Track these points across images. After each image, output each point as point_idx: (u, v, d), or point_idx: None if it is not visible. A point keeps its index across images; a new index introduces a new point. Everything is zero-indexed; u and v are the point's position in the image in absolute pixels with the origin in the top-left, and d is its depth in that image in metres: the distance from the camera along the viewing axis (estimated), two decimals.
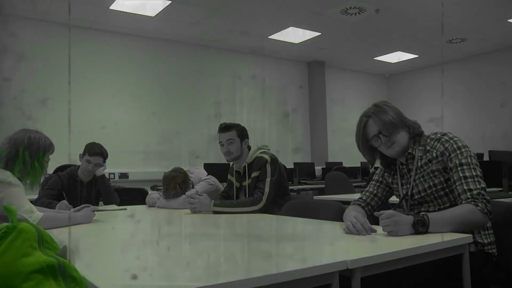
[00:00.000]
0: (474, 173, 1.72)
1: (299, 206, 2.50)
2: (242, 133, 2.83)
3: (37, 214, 2.01)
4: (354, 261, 1.21)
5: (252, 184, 2.77)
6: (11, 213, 1.06)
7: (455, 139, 1.81)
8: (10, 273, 0.95)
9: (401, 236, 1.55)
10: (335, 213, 2.16)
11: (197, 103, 6.85)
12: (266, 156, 2.78)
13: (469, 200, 1.67)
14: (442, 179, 1.80)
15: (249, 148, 2.90)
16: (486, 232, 1.79)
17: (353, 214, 1.73)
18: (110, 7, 5.36)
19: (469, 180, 1.70)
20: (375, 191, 2.06)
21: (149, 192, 3.55)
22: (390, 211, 1.61)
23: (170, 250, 1.52)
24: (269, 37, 6.63)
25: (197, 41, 6.68)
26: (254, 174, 2.77)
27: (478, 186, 1.69)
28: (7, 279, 0.95)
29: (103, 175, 3.42)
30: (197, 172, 3.37)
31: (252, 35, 6.54)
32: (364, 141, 1.89)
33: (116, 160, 6.16)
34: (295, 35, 6.57)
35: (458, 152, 1.77)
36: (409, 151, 1.88)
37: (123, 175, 6.16)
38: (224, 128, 2.86)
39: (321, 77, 8.11)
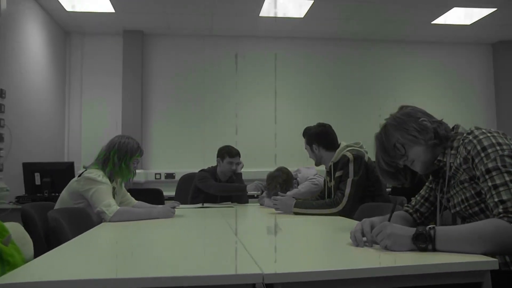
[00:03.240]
0: (507, 179, 1.29)
1: (372, 209, 2.24)
2: (309, 139, 2.81)
3: (113, 207, 2.32)
4: (270, 276, 1.08)
5: (336, 184, 2.61)
6: None
7: (481, 137, 1.38)
8: None
9: (398, 252, 1.29)
10: None
11: (359, 100, 6.63)
12: (349, 154, 2.58)
13: (501, 215, 1.26)
14: (473, 192, 1.41)
15: (338, 146, 2.75)
16: None
17: (363, 221, 1.49)
18: (260, 15, 5.66)
19: (500, 189, 1.29)
20: (426, 195, 1.72)
21: None
22: (383, 223, 1.35)
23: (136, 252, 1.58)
24: (432, 22, 5.97)
25: (352, 36, 6.47)
26: (337, 174, 2.61)
27: (511, 196, 1.27)
28: None
29: (241, 173, 3.72)
30: (305, 172, 3.32)
31: (411, 22, 5.99)
32: (381, 168, 1.64)
33: (280, 159, 6.50)
34: (462, 15, 5.75)
35: (482, 155, 1.35)
36: (439, 158, 1.52)
37: None
38: None
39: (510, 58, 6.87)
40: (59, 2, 5.15)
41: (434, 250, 1.27)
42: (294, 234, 1.93)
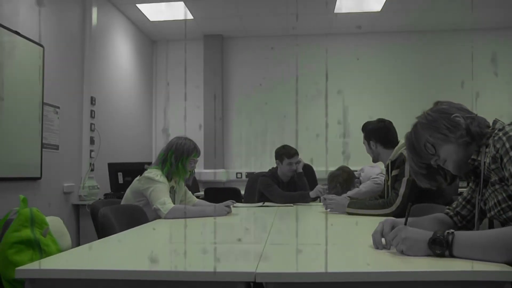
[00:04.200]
0: None
1: (422, 209, 2.12)
2: (367, 135, 2.71)
3: (168, 205, 2.45)
4: (262, 275, 1.09)
5: (391, 183, 2.51)
6: (23, 201, 1.47)
7: (511, 134, 1.24)
8: (4, 242, 1.37)
9: (412, 257, 1.22)
10: None
11: (445, 96, 6.21)
12: (405, 152, 2.44)
13: None
14: (504, 195, 1.29)
15: (397, 143, 2.63)
16: None
17: (385, 222, 1.43)
18: (335, 11, 5.57)
19: None
20: (468, 197, 1.59)
21: None
22: (398, 226, 1.29)
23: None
24: None
25: (434, 27, 6.08)
26: (393, 173, 2.51)
27: None
28: (2, 245, 1.37)
29: (302, 172, 3.69)
30: (368, 171, 3.21)
31: (507, 5, 5.47)
32: (413, 169, 1.58)
33: (355, 157, 6.35)
34: None
35: (511, 154, 1.21)
36: (473, 156, 1.40)
37: None
38: None
39: None
40: (143, 13, 5.53)
41: (452, 256, 1.19)
42: (320, 234, 1.90)
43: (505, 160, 1.24)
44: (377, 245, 1.36)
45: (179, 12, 5.54)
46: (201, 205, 2.89)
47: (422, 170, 1.53)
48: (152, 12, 5.54)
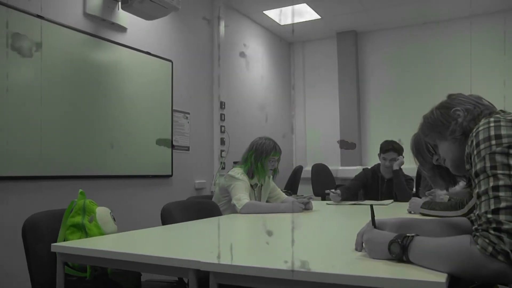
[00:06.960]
0: (490, 185, 1.01)
1: None
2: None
3: (242, 201, 2.64)
4: (206, 264, 1.22)
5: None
6: (81, 194, 1.86)
7: (480, 129, 1.09)
8: (66, 225, 1.77)
9: (377, 260, 1.18)
10: None
11: None
12: None
13: (473, 232, 1.02)
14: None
15: None
16: None
17: (369, 222, 1.39)
18: None
19: (482, 199, 1.02)
20: None
21: None
22: (367, 228, 1.26)
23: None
24: None
25: None
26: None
27: (488, 209, 0.99)
28: (64, 227, 1.77)
29: (398, 169, 3.51)
30: None
31: None
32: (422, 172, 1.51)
33: None
34: None
35: (475, 153, 1.08)
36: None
37: None
38: None
39: None
40: (272, 19, 5.85)
41: (409, 262, 1.11)
42: (322, 234, 1.86)
43: (471, 159, 1.11)
44: (356, 246, 1.34)
45: (306, 13, 5.70)
46: (287, 202, 3.01)
47: (427, 172, 1.43)
48: (281, 16, 5.81)
